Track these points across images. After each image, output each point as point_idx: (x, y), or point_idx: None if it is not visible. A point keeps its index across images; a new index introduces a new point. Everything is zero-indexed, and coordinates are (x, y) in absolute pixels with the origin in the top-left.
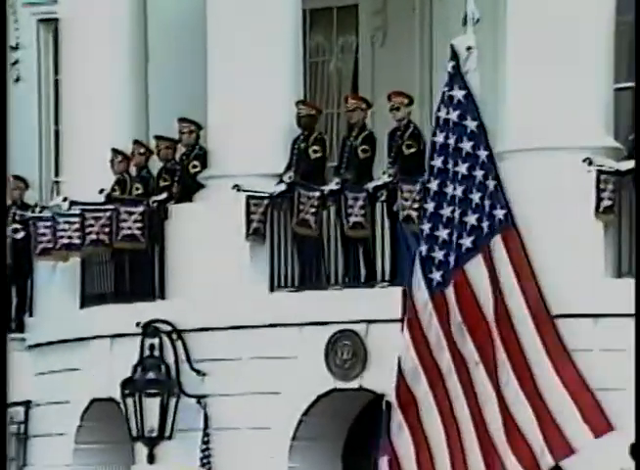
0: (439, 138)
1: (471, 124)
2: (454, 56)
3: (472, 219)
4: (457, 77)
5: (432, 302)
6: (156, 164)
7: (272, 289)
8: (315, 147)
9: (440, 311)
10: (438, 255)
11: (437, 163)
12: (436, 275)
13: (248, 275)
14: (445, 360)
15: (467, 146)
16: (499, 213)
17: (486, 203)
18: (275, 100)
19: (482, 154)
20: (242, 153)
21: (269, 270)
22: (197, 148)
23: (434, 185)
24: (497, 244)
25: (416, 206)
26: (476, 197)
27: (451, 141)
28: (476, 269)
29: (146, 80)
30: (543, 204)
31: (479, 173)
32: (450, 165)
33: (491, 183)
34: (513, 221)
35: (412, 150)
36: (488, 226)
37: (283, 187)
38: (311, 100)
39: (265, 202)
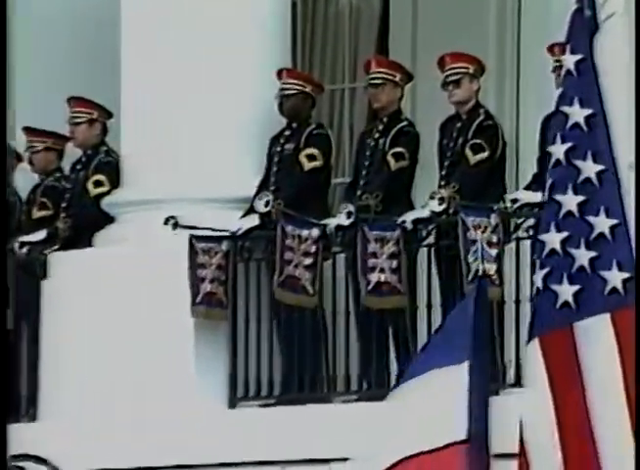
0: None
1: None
2: None
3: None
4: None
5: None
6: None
7: (234, 403)
8: (311, 150)
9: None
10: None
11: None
12: None
13: (194, 380)
14: None
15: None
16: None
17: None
18: (239, 68)
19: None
20: (179, 163)
21: (230, 371)
22: (102, 152)
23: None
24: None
25: (494, 252)
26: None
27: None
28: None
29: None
30: None
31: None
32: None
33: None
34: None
35: (483, 155)
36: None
37: (254, 221)
38: (304, 69)
39: (224, 247)
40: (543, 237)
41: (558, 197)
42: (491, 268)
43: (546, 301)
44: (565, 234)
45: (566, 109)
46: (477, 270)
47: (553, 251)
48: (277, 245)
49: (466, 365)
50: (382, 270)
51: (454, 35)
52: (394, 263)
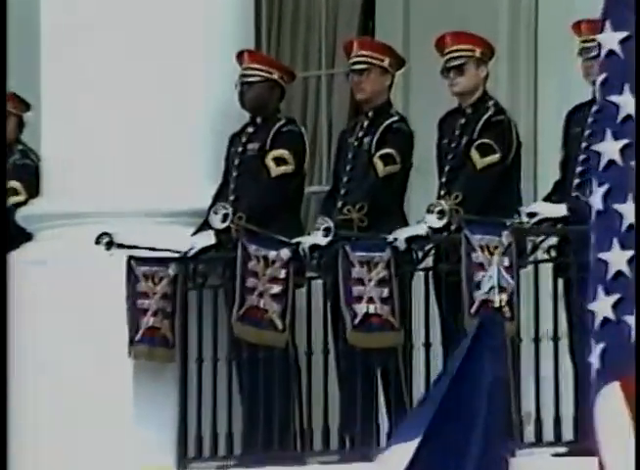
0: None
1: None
2: None
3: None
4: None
5: None
6: None
7: (184, 464)
8: (279, 152)
9: None
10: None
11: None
12: None
13: (133, 435)
14: None
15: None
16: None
17: None
18: (189, 52)
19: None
20: (114, 167)
21: (179, 425)
22: (17, 152)
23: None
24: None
25: (509, 279)
26: None
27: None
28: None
29: None
30: None
31: None
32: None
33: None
34: None
35: (492, 157)
36: None
37: (209, 239)
38: (270, 53)
39: (171, 271)
40: (605, 256)
41: (617, 206)
42: (503, 299)
43: (618, 335)
44: (630, 252)
45: (615, 98)
46: (484, 301)
47: (619, 273)
48: (237, 269)
49: (479, 431)
50: (370, 300)
51: (457, 11)
52: (385, 291)
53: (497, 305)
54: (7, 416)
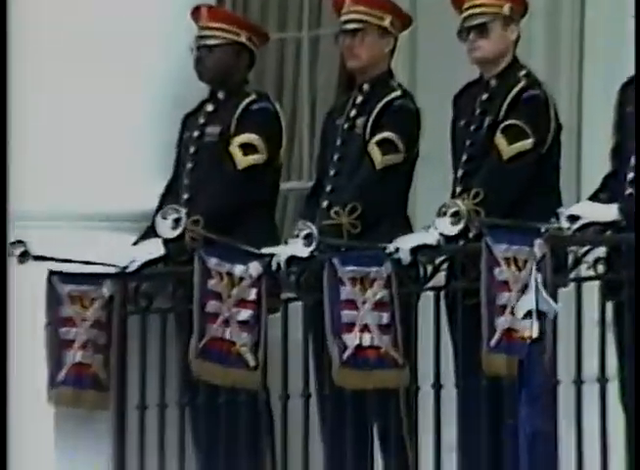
0: None
1: None
2: None
3: None
4: None
5: None
6: None
7: None
8: (248, 137)
9: None
10: None
11: None
12: None
13: None
14: None
15: None
16: None
17: None
18: (132, 9)
19: None
20: (32, 160)
21: None
22: None
23: None
24: None
25: (551, 300)
26: None
27: None
28: None
29: None
30: None
31: None
32: None
33: None
34: None
35: (524, 143)
36: None
37: (156, 250)
38: (236, 10)
39: (105, 290)
40: None
41: None
42: (534, 327)
43: None
44: None
45: None
46: (507, 330)
47: None
48: (195, 289)
49: None
50: (364, 328)
51: None
52: (385, 317)
53: (535, 335)
54: None
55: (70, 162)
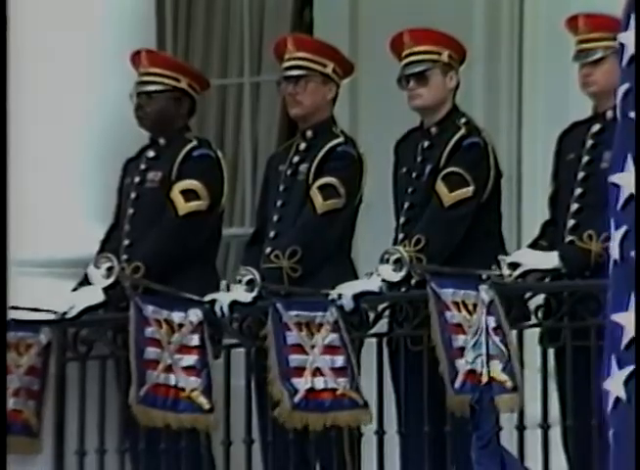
0: None
1: None
2: None
3: None
4: None
5: None
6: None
7: None
8: (189, 183)
9: None
10: None
11: None
12: None
13: None
14: None
15: None
16: None
17: None
18: (74, 57)
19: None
20: None
21: None
22: None
23: None
24: None
25: (500, 343)
26: None
27: None
28: None
29: None
30: None
31: None
32: None
33: None
34: None
35: (464, 191)
36: None
37: (95, 297)
38: (177, 54)
39: (42, 337)
40: (620, 318)
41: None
42: (496, 367)
43: (630, 418)
44: None
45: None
46: (470, 372)
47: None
48: (131, 335)
49: None
50: (317, 372)
51: (418, 5)
52: (339, 360)
53: (485, 378)
54: None
55: (9, 206)
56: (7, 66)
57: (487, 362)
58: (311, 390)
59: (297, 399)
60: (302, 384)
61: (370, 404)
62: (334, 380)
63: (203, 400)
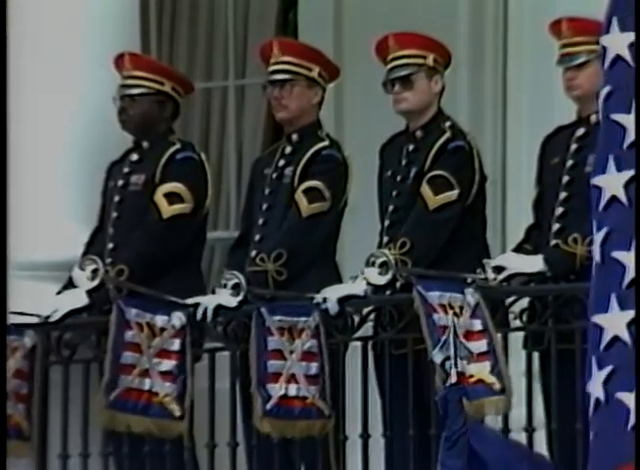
0: None
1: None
2: None
3: None
4: None
5: None
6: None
7: None
8: (173, 186)
9: None
10: None
11: None
12: None
13: None
14: None
15: None
16: None
17: None
18: (57, 60)
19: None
20: None
21: None
22: None
23: None
24: None
25: (482, 345)
26: None
27: None
28: None
29: None
30: None
31: None
32: None
33: None
34: None
35: (449, 194)
36: None
37: (79, 300)
38: (161, 57)
39: (27, 340)
40: (600, 320)
41: (617, 254)
42: (484, 368)
43: (610, 419)
44: (630, 313)
45: (620, 118)
46: (461, 373)
47: (616, 339)
48: (110, 339)
49: None
50: (291, 378)
51: (405, 5)
52: (313, 368)
53: (453, 380)
54: None
55: (8, 208)
56: (7, 66)
57: (455, 363)
58: (284, 396)
59: (269, 405)
60: (277, 390)
61: (355, 408)
62: (306, 388)
63: (174, 407)
